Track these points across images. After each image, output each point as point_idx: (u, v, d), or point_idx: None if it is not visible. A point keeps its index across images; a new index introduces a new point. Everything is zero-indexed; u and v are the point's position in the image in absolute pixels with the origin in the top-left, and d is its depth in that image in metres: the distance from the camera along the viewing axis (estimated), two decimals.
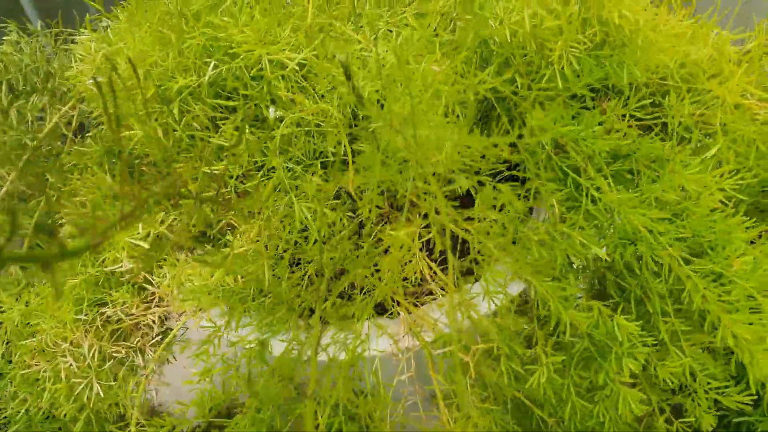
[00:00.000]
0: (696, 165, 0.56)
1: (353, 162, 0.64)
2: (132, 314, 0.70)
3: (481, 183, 0.64)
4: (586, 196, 0.56)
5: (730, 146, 0.60)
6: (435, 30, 0.67)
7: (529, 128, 0.61)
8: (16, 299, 0.75)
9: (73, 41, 0.89)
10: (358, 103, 0.52)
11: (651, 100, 0.64)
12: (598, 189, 0.55)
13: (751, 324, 0.52)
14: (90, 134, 0.84)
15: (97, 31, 0.81)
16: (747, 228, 0.57)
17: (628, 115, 0.59)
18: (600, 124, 0.57)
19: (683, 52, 0.61)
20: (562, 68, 0.57)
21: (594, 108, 0.59)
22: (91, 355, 0.64)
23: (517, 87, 0.62)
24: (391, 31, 0.73)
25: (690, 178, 0.55)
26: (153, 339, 0.69)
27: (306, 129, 0.65)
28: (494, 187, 0.59)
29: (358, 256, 0.61)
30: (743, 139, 0.59)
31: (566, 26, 0.56)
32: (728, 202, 0.57)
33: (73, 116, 0.82)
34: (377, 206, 0.66)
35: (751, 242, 0.57)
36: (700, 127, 0.61)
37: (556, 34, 0.58)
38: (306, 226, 0.61)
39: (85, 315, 0.66)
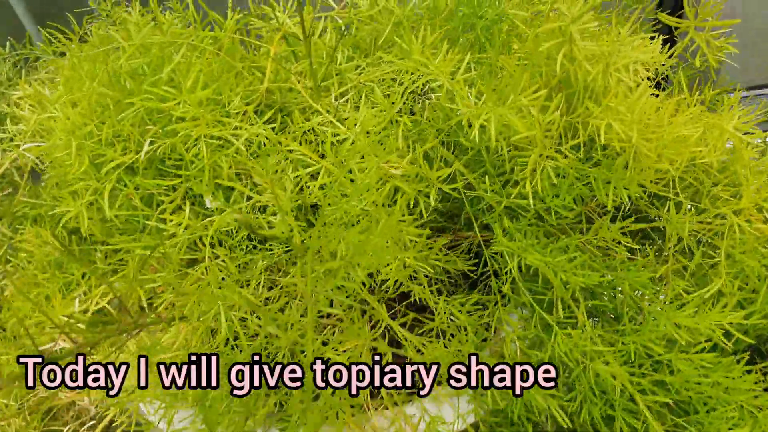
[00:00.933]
0: (693, 305, 0.47)
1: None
2: (67, 393, 0.65)
3: (439, 292, 0.56)
4: (554, 337, 0.48)
5: (737, 276, 0.50)
6: (400, 110, 0.58)
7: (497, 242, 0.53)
8: None
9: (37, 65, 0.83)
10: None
11: (644, 214, 0.55)
12: (569, 335, 0.47)
13: None
14: (43, 184, 0.79)
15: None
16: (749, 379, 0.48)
17: (612, 240, 0.49)
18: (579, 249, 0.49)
19: (689, 154, 0.51)
20: (534, 184, 0.48)
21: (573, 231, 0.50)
22: None
23: (487, 189, 0.53)
24: (364, 84, 0.64)
25: (684, 322, 0.46)
26: (89, 422, 0.65)
27: (252, 215, 0.58)
28: (450, 313, 0.51)
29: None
30: (753, 272, 0.49)
31: (541, 138, 0.46)
32: (727, 343, 0.48)
33: (25, 163, 0.76)
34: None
35: (756, 397, 0.48)
36: (702, 250, 0.51)
37: (531, 143, 0.49)
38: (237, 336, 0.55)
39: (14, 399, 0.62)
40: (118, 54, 0.63)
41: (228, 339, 0.55)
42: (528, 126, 0.46)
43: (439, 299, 0.54)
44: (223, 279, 0.56)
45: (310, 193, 0.54)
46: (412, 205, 0.55)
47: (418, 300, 0.55)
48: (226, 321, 0.54)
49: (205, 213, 0.61)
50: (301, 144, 0.59)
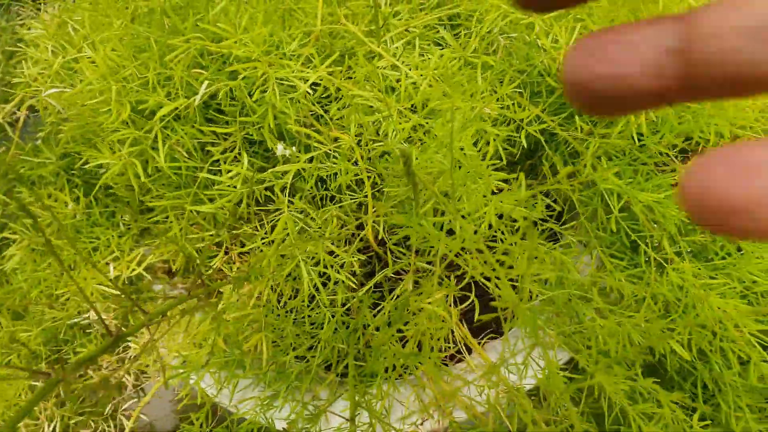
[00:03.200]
0: None
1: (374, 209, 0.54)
2: (101, 369, 0.59)
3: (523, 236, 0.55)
4: (656, 270, 0.48)
5: None
6: (474, 49, 0.56)
7: (585, 176, 0.53)
8: None
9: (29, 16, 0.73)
10: (412, 188, 0.41)
11: None
12: (674, 268, 0.47)
13: None
14: (40, 137, 0.70)
15: (57, 14, 0.65)
16: None
17: None
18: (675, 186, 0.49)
19: None
20: (635, 121, 0.48)
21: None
22: (51, 429, 0.53)
23: (575, 129, 0.52)
24: (408, 31, 0.61)
25: None
26: (126, 402, 0.59)
27: (319, 165, 0.54)
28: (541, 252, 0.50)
29: (378, 328, 0.51)
30: None
31: None
32: None
33: (18, 118, 0.67)
34: (398, 256, 0.57)
35: None
36: None
37: None
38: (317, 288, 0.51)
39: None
40: None
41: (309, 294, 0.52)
42: None
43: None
44: (302, 231, 0.52)
45: (399, 138, 0.51)
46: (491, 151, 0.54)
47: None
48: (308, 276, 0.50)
49: (262, 165, 0.56)
50: (361, 88, 0.56)
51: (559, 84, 0.52)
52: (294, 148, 0.52)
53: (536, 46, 0.54)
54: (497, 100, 0.52)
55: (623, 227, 0.49)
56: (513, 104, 0.52)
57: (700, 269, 0.48)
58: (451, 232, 0.51)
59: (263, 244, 0.53)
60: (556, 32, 0.50)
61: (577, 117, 0.52)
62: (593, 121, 0.52)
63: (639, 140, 0.49)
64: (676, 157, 0.52)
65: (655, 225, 0.49)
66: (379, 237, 0.55)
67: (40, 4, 0.63)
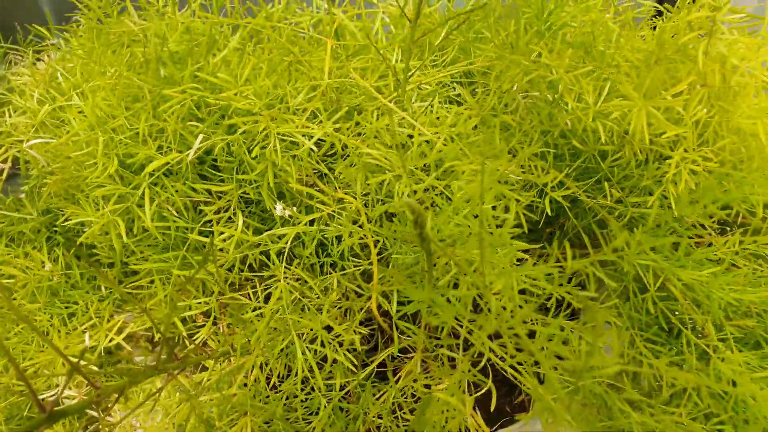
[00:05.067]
0: None
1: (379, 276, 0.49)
2: None
3: (544, 322, 0.49)
4: (702, 360, 0.42)
5: None
6: (493, 107, 0.52)
7: (611, 248, 0.47)
8: None
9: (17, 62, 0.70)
10: (425, 253, 0.36)
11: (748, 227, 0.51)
12: (720, 357, 0.41)
13: None
14: (24, 190, 0.65)
15: (43, 60, 0.62)
16: None
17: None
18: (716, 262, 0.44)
19: None
20: (673, 190, 0.43)
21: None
22: None
23: (603, 196, 0.47)
24: (420, 91, 0.58)
25: None
26: None
27: (321, 230, 0.49)
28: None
29: (381, 417, 0.45)
30: None
31: (690, 136, 0.42)
32: None
33: (2, 169, 0.63)
34: (403, 331, 0.51)
35: None
36: None
37: (669, 141, 0.44)
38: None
39: None
40: (141, 41, 0.53)
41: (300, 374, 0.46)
42: (672, 124, 0.41)
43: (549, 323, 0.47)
44: (297, 302, 0.46)
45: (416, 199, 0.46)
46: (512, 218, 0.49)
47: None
48: (302, 354, 0.44)
49: (258, 227, 0.51)
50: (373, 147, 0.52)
51: (585, 147, 0.48)
52: (294, 208, 0.48)
53: (559, 104, 0.50)
54: (521, 163, 0.48)
55: (660, 308, 0.43)
56: (535, 167, 0.47)
57: (751, 358, 0.42)
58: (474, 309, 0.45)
59: (255, 315, 0.47)
60: (581, 89, 0.46)
61: (605, 183, 0.47)
62: (623, 186, 0.48)
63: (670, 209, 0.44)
64: (716, 230, 0.48)
65: (697, 308, 0.43)
66: (383, 309, 0.50)
67: (40, 50, 0.60)
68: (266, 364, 0.45)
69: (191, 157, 0.48)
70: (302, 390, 0.45)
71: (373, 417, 0.47)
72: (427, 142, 0.51)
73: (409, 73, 0.58)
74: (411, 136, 0.52)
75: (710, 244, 0.48)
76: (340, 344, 0.46)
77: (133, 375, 0.39)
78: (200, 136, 0.47)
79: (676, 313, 0.43)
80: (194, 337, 0.51)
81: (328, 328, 0.49)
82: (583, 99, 0.48)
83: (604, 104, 0.45)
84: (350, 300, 0.50)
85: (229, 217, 0.50)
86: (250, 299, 0.49)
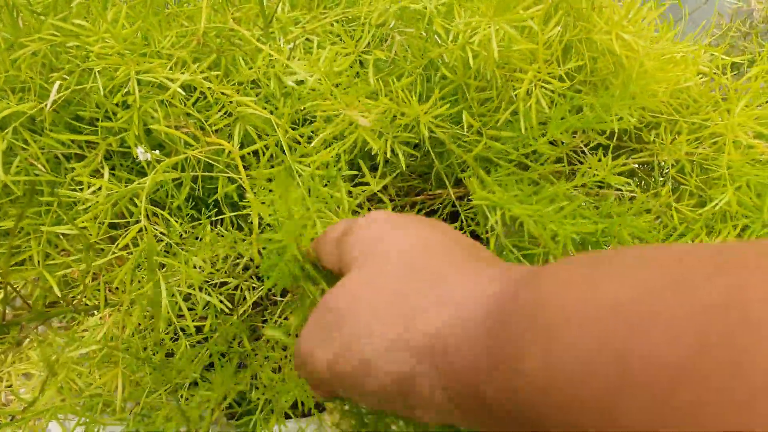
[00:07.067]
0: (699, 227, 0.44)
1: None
2: None
3: None
4: None
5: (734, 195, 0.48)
6: (368, 44, 0.51)
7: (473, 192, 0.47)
8: None
9: None
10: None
11: (636, 142, 0.52)
12: None
13: None
14: None
15: None
16: None
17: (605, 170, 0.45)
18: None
19: (674, 79, 0.49)
20: (529, 107, 0.42)
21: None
22: None
23: (464, 130, 0.47)
24: (309, 40, 0.57)
25: None
26: None
27: (192, 174, 0.48)
28: None
29: (256, 353, 0.44)
30: (752, 186, 0.47)
31: (542, 54, 0.42)
32: None
33: None
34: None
35: None
36: (698, 171, 0.49)
37: (526, 60, 0.44)
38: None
39: None
40: None
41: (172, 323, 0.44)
42: (526, 39, 0.41)
43: None
44: (166, 251, 0.45)
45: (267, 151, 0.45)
46: (381, 161, 0.48)
47: None
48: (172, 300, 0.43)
49: (128, 178, 0.50)
50: (246, 94, 0.51)
51: (454, 76, 0.47)
52: (157, 152, 0.46)
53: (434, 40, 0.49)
54: (391, 95, 0.47)
55: (504, 244, 0.43)
56: (411, 96, 0.46)
57: None
58: None
59: (126, 263, 0.46)
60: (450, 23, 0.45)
61: (466, 113, 0.46)
62: (485, 120, 0.47)
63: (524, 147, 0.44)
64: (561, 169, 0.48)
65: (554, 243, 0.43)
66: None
67: None
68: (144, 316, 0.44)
69: (49, 107, 0.46)
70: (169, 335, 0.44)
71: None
72: (301, 82, 0.50)
73: (298, 24, 0.58)
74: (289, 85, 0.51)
75: (573, 173, 0.48)
76: (215, 287, 0.45)
77: None
78: (57, 83, 0.45)
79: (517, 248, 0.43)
80: (73, 295, 0.49)
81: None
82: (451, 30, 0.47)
83: (454, 23, 0.44)
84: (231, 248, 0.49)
85: (97, 169, 0.49)
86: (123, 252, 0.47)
